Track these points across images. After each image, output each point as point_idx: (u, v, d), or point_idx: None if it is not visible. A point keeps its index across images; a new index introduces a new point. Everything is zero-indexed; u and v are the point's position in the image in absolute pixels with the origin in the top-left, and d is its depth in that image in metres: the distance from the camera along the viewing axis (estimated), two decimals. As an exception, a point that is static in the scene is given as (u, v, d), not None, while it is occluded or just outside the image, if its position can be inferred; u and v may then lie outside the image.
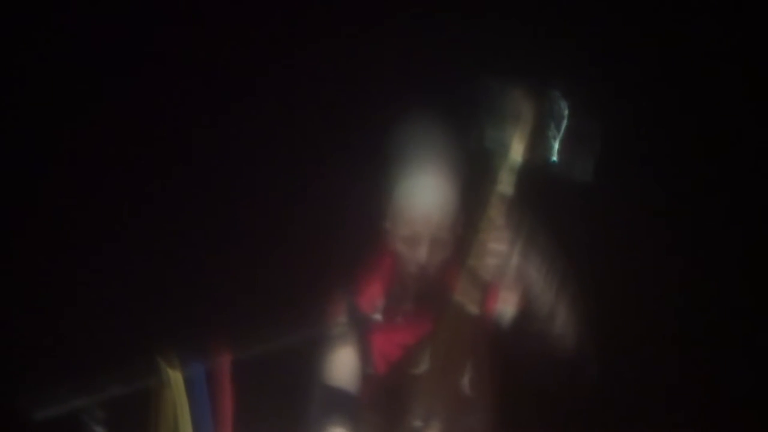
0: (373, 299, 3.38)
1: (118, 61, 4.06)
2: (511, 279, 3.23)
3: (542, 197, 3.28)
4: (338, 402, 3.40)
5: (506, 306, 3.29)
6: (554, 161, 3.21)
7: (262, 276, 3.92)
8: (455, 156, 3.31)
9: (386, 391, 3.34)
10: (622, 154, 3.74)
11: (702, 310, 3.98)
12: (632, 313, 3.93)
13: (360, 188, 3.47)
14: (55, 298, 3.97)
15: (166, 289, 3.93)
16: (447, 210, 3.28)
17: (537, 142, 3.20)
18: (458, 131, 3.31)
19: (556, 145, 3.21)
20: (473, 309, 3.22)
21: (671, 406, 4.00)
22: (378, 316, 3.37)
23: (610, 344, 3.47)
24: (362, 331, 3.37)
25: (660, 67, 3.99)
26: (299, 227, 3.91)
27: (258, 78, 4.01)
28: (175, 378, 3.12)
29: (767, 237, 3.99)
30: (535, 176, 3.20)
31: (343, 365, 3.40)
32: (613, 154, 3.31)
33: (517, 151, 3.18)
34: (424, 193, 3.27)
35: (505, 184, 3.17)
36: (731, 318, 4.00)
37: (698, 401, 3.98)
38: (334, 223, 3.81)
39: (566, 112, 3.20)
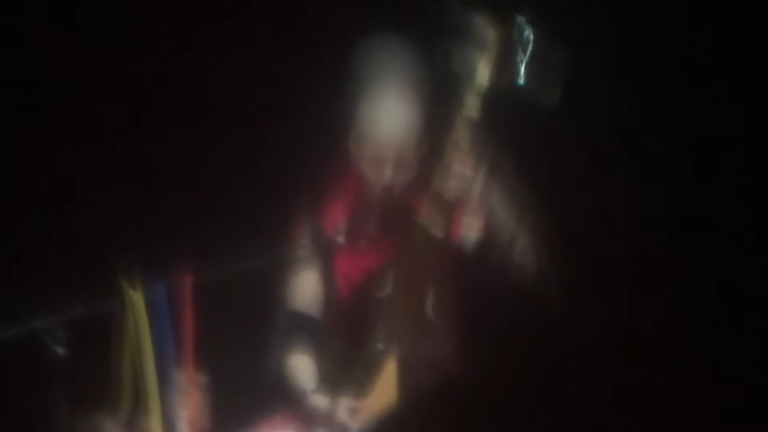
0: (336, 222, 3.38)
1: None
2: (474, 204, 3.23)
3: (507, 122, 3.28)
4: (301, 325, 3.42)
5: (470, 231, 3.29)
6: (520, 86, 3.20)
7: (225, 198, 3.89)
8: (420, 78, 3.29)
9: (349, 315, 3.36)
10: (589, 80, 3.72)
11: (666, 243, 3.98)
12: (595, 244, 3.93)
13: (323, 110, 3.45)
14: (16, 218, 3.93)
15: (129, 209, 3.90)
16: (411, 131, 3.27)
17: (503, 67, 3.19)
18: (424, 54, 3.29)
19: (522, 71, 3.20)
20: (437, 233, 3.22)
21: (633, 341, 4.01)
22: (341, 239, 3.36)
23: (573, 274, 3.49)
24: (325, 254, 3.37)
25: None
26: (262, 149, 3.88)
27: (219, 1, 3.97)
28: (137, 299, 3.11)
29: (734, 163, 3.99)
30: (500, 101, 3.20)
31: (306, 289, 3.41)
32: (580, 80, 3.31)
33: (483, 75, 3.17)
34: (388, 115, 3.26)
35: (471, 108, 3.17)
36: (695, 251, 4.01)
37: (659, 337, 3.99)
38: (297, 146, 3.78)
39: (532, 38, 3.20)
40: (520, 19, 3.20)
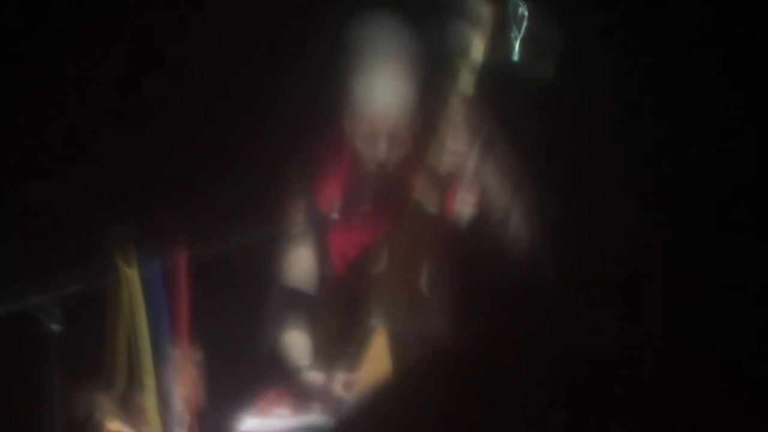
0: (330, 198, 3.37)
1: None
2: (469, 179, 3.23)
3: (502, 98, 3.27)
4: (295, 301, 3.41)
5: (464, 206, 3.28)
6: (514, 62, 3.19)
7: (219, 174, 3.89)
8: (415, 54, 3.28)
9: (344, 291, 3.36)
10: (583, 56, 3.71)
11: (662, 218, 3.99)
12: (589, 219, 3.93)
13: (317, 86, 3.44)
14: (9, 195, 3.93)
15: (123, 185, 3.89)
16: (405, 107, 3.26)
17: (497, 43, 3.18)
18: (419, 29, 3.28)
19: (517, 46, 3.20)
20: (431, 208, 3.22)
21: (628, 314, 4.01)
22: (336, 215, 3.36)
23: (567, 249, 3.49)
24: (320, 230, 3.37)
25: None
26: (257, 125, 3.87)
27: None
28: (132, 276, 3.11)
29: (728, 148, 3.99)
30: (495, 77, 3.19)
31: (300, 265, 3.40)
32: (574, 56, 3.30)
33: (477, 50, 3.16)
34: (382, 90, 3.25)
35: (465, 84, 3.15)
36: (689, 229, 4.01)
37: (654, 310, 4.00)
38: (291, 122, 3.77)
39: (527, 14, 3.19)
40: None
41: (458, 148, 3.19)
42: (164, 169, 3.87)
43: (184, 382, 3.25)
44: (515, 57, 3.19)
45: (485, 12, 3.17)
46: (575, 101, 3.79)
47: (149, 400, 3.17)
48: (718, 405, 3.73)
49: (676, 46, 3.92)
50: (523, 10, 3.19)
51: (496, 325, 3.49)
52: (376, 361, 3.28)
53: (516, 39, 3.19)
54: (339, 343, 3.35)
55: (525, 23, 3.19)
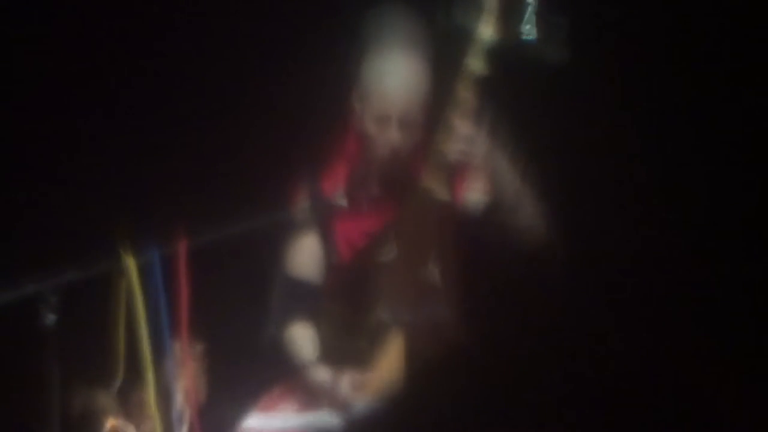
0: (337, 183, 3.32)
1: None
2: (479, 165, 3.18)
3: (512, 82, 3.24)
4: (300, 293, 3.34)
5: (474, 193, 3.23)
6: (524, 46, 3.20)
7: (221, 159, 3.86)
8: (426, 37, 3.26)
9: (351, 281, 3.28)
10: (593, 39, 3.69)
11: (671, 207, 3.96)
12: (597, 207, 3.90)
13: (325, 70, 3.41)
14: (8, 184, 3.90)
15: (122, 173, 3.86)
16: (417, 90, 3.23)
17: (507, 27, 3.16)
18: (429, 12, 3.27)
19: (527, 30, 3.19)
20: (440, 195, 3.17)
21: (637, 304, 3.99)
22: (342, 201, 3.29)
23: (576, 237, 3.45)
24: (326, 217, 3.30)
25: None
26: (261, 108, 3.84)
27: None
28: (131, 265, 3.04)
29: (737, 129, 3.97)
30: (505, 61, 3.16)
31: (305, 253, 3.33)
32: (584, 39, 3.28)
33: (487, 34, 3.14)
34: (395, 71, 3.23)
35: (475, 68, 3.13)
36: (699, 217, 3.98)
37: (663, 299, 3.97)
38: (297, 105, 3.75)
39: None
40: None
41: (468, 133, 3.15)
42: (164, 155, 3.85)
43: (185, 376, 3.20)
44: (525, 40, 3.20)
45: None
46: (584, 86, 3.78)
47: (149, 395, 3.10)
48: (725, 403, 3.70)
49: (685, 31, 3.90)
50: None
51: (506, 313, 3.45)
52: (387, 358, 3.22)
53: (525, 22, 3.20)
54: (347, 337, 3.28)
55: (534, 6, 3.20)
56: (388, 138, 3.23)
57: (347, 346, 3.27)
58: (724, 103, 3.92)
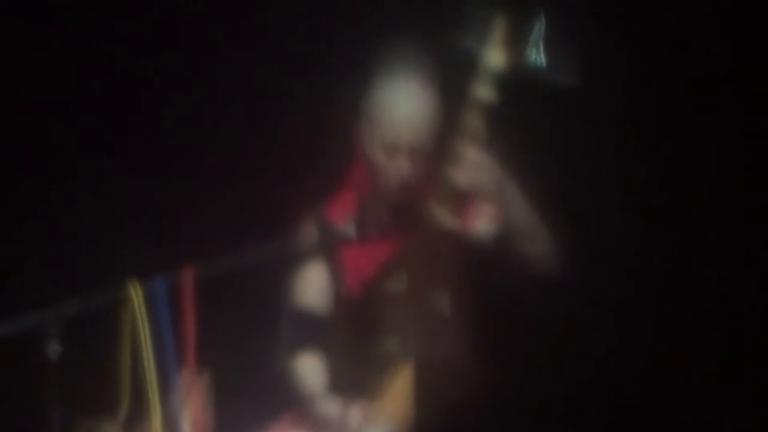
0: (345, 213, 3.30)
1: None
2: (488, 192, 3.16)
3: (521, 110, 3.26)
4: (308, 324, 3.31)
5: (483, 221, 3.22)
6: (533, 73, 3.18)
7: (228, 187, 3.87)
8: (435, 62, 3.25)
9: (359, 312, 3.26)
10: (602, 67, 3.69)
11: (684, 233, 3.95)
12: (614, 233, 3.89)
13: (334, 96, 3.41)
14: (16, 215, 3.91)
15: (128, 202, 3.87)
16: (427, 119, 3.22)
17: (515, 52, 3.17)
18: (438, 40, 3.26)
19: (535, 58, 3.19)
20: (450, 223, 3.16)
21: (648, 330, 3.98)
22: (350, 231, 3.28)
23: (589, 265, 3.43)
24: (334, 246, 3.28)
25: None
26: (269, 137, 3.85)
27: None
28: (137, 296, 3.02)
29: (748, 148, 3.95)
30: (513, 87, 3.16)
31: (313, 284, 3.31)
32: (593, 67, 3.27)
33: (496, 63, 3.14)
34: (404, 100, 3.22)
35: (485, 96, 3.12)
36: (715, 244, 3.97)
37: (675, 325, 3.96)
38: (305, 134, 3.76)
39: (544, 25, 3.18)
40: (533, 6, 3.19)
41: (476, 161, 3.14)
42: (170, 183, 3.85)
43: (191, 407, 3.16)
44: (532, 66, 3.18)
45: (504, 23, 3.17)
46: (593, 112, 3.79)
47: (155, 426, 3.08)
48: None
49: (692, 54, 3.90)
50: (539, 20, 3.19)
51: (518, 345, 3.43)
52: (396, 389, 3.19)
53: (534, 50, 3.18)
54: (356, 367, 3.26)
55: (543, 35, 3.18)
56: (397, 167, 3.22)
57: (356, 377, 3.24)
58: (738, 131, 3.92)
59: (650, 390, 3.86)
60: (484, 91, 3.12)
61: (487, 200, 3.18)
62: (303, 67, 3.84)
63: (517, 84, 3.16)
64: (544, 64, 3.16)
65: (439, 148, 3.21)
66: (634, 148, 3.90)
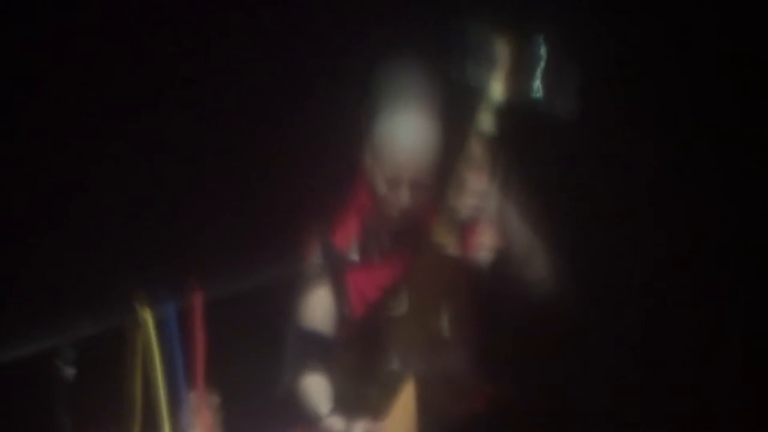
0: (349, 238, 3.34)
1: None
2: (490, 220, 3.19)
3: (523, 139, 3.25)
4: (314, 345, 3.36)
5: (485, 247, 3.23)
6: (535, 102, 3.18)
7: (235, 213, 3.88)
8: (438, 97, 3.27)
9: (363, 334, 3.30)
10: (603, 96, 3.70)
11: (685, 252, 3.94)
12: (612, 259, 3.89)
13: (338, 126, 3.42)
14: (26, 237, 3.92)
15: (138, 226, 3.88)
16: (429, 151, 3.24)
17: (518, 84, 3.18)
18: (440, 71, 3.26)
19: (537, 87, 3.19)
20: (452, 249, 3.18)
21: (649, 352, 3.98)
22: (354, 256, 3.32)
23: (590, 289, 3.45)
24: (338, 270, 3.32)
25: (641, 7, 3.94)
26: (275, 164, 3.86)
27: (240, 13, 3.95)
28: (147, 318, 3.07)
29: (750, 168, 3.95)
30: (516, 118, 3.18)
31: (318, 307, 3.35)
32: (594, 95, 3.27)
33: (498, 92, 3.16)
34: (406, 135, 3.24)
35: (487, 125, 3.14)
36: (716, 262, 3.97)
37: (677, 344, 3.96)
38: (310, 160, 3.76)
39: (546, 54, 3.19)
40: (535, 36, 3.20)
41: (479, 188, 3.16)
42: (179, 208, 3.86)
43: (201, 427, 3.20)
44: (536, 97, 3.19)
45: (506, 53, 3.18)
46: (595, 141, 3.78)
47: (166, 446, 3.11)
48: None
49: (695, 79, 3.90)
50: (543, 50, 3.20)
51: (520, 367, 3.46)
52: (399, 409, 3.23)
53: (536, 79, 3.19)
54: (360, 388, 3.29)
55: (545, 63, 3.19)
56: (399, 198, 3.25)
57: (360, 396, 3.27)
58: (744, 154, 3.91)
59: (653, 409, 3.86)
60: (487, 120, 3.14)
61: (489, 227, 3.20)
62: (307, 94, 3.84)
63: (520, 112, 3.17)
64: (546, 93, 3.17)
65: (441, 177, 3.23)
66: (637, 176, 3.89)
